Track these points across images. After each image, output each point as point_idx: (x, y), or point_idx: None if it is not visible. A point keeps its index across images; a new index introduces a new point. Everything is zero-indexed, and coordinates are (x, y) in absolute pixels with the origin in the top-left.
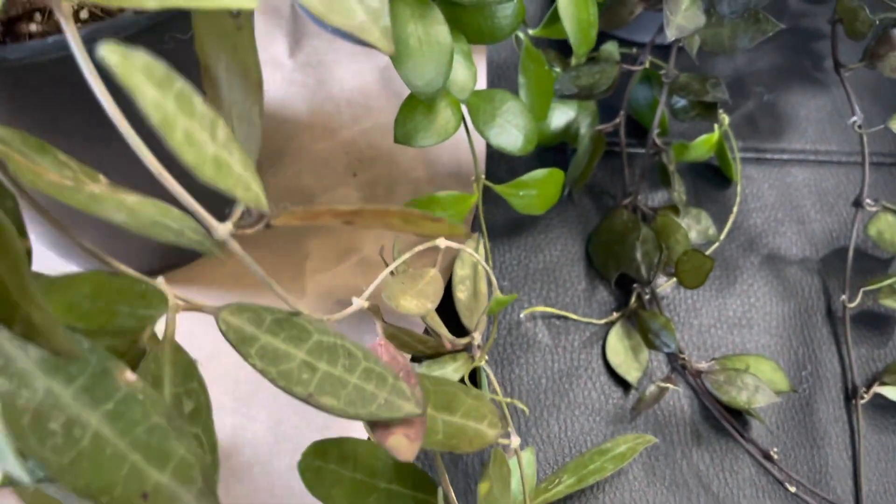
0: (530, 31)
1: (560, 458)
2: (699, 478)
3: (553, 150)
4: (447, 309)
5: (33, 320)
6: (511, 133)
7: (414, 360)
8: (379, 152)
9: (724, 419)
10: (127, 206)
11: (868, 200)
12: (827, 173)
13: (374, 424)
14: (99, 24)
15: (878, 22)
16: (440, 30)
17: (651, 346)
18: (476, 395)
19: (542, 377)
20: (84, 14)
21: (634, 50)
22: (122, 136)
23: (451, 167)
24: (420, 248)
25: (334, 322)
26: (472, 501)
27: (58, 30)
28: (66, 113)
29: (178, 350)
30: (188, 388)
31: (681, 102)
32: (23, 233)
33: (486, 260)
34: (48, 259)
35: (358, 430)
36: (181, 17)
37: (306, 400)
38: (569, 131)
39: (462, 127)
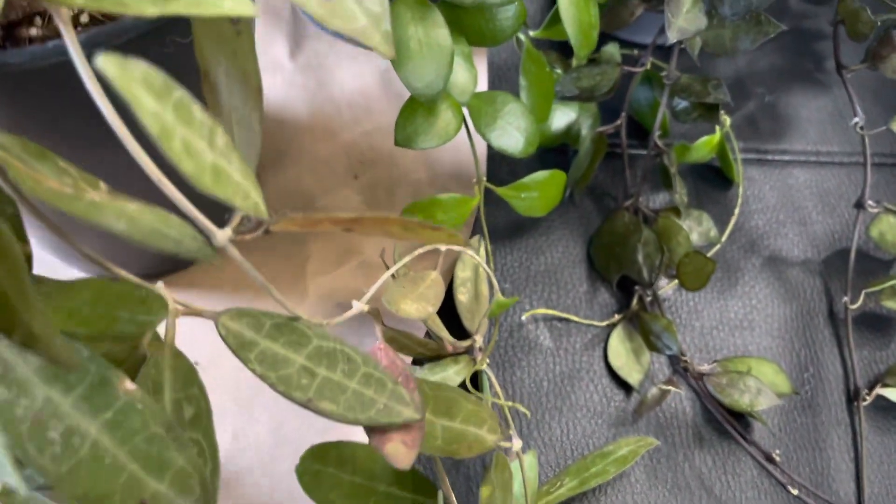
0: (531, 33)
1: (562, 460)
2: (701, 480)
3: (554, 152)
4: (448, 311)
5: (32, 329)
6: (512, 135)
7: (415, 362)
8: (380, 154)
9: (726, 421)
10: (127, 214)
11: (870, 202)
12: (828, 174)
13: (371, 430)
14: (99, 29)
15: (879, 23)
16: (441, 32)
17: (653, 348)
18: (476, 400)
19: (543, 380)
20: (84, 18)
21: (636, 51)
22: (119, 141)
23: (453, 169)
24: (421, 250)
25: (334, 325)
26: None
27: (58, 34)
28: (66, 118)
29: (179, 355)
30: (189, 394)
31: (682, 104)
32: (23, 238)
33: (488, 262)
34: (49, 262)
35: (359, 433)
36: (182, 21)
37: (305, 405)
38: (570, 133)
39: (463, 129)
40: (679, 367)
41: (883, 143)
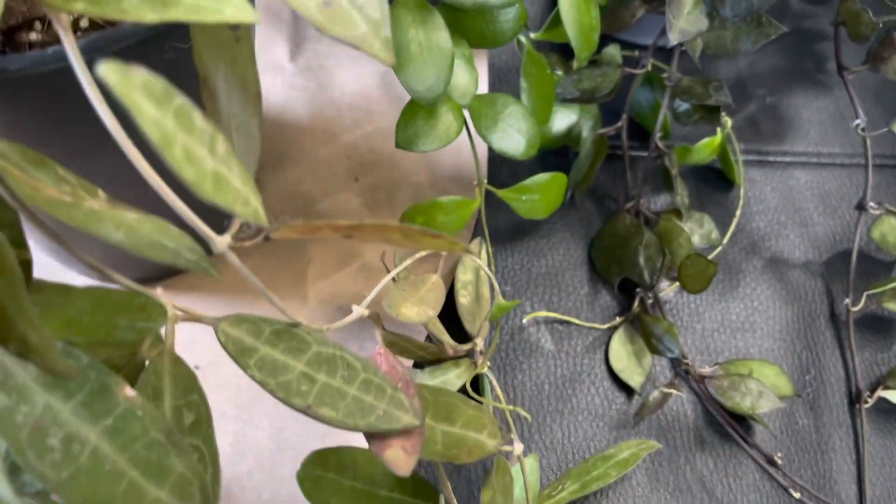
0: (532, 35)
1: (563, 464)
2: (703, 483)
3: (555, 154)
4: (449, 314)
5: (29, 339)
6: (513, 137)
7: (416, 365)
8: (380, 156)
9: (728, 424)
10: (126, 224)
11: (871, 203)
12: (830, 175)
13: (371, 436)
14: (98, 35)
15: (881, 25)
16: (441, 35)
17: (654, 350)
18: (476, 405)
19: (544, 382)
20: (84, 22)
21: (636, 52)
22: (118, 148)
23: (453, 171)
24: (422, 254)
25: (335, 330)
26: None
27: (58, 39)
28: (66, 124)
29: (178, 362)
30: (189, 401)
31: (683, 106)
32: (23, 244)
33: (489, 265)
34: (48, 265)
35: (360, 438)
36: (181, 27)
37: (305, 411)
38: (571, 135)
39: (464, 131)
40: (680, 369)
41: (884, 144)
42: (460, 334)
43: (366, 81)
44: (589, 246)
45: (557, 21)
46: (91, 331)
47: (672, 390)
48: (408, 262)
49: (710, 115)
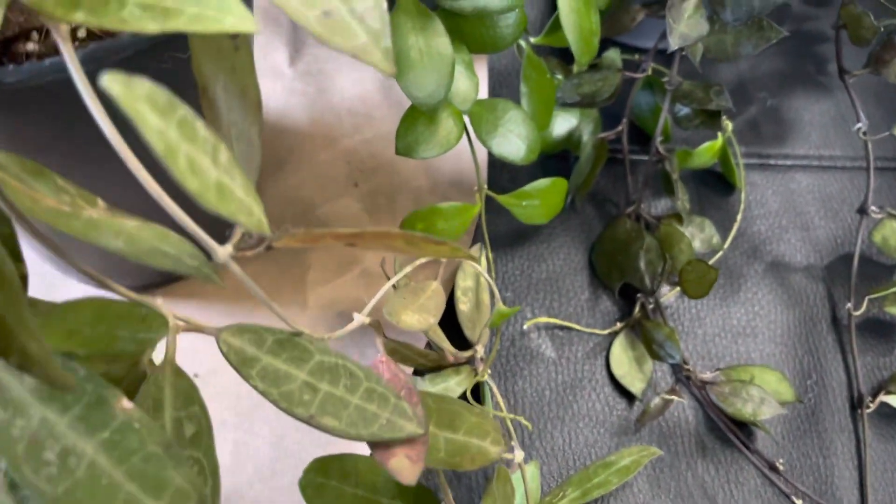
0: (532, 39)
1: (564, 470)
2: (704, 490)
3: (555, 158)
4: (449, 320)
5: (29, 351)
6: (513, 142)
7: (416, 372)
8: (380, 162)
9: (729, 430)
10: (126, 232)
11: (873, 207)
12: (831, 178)
13: (375, 445)
14: (97, 46)
15: (882, 28)
16: (441, 41)
17: (655, 356)
18: (479, 412)
19: (545, 389)
20: (81, 33)
21: (637, 56)
22: (118, 158)
23: (454, 176)
24: (422, 260)
25: (335, 338)
26: None
27: (56, 49)
28: (64, 134)
29: (179, 373)
30: (189, 412)
31: (684, 110)
32: (18, 257)
33: (489, 270)
34: (48, 274)
35: (360, 446)
36: (180, 36)
37: (308, 421)
38: (571, 139)
39: (464, 136)
40: (682, 375)
41: (886, 147)
42: (460, 341)
43: (365, 86)
44: (589, 251)
45: (557, 26)
46: (91, 342)
47: (673, 397)
48: (408, 269)
49: (710, 119)
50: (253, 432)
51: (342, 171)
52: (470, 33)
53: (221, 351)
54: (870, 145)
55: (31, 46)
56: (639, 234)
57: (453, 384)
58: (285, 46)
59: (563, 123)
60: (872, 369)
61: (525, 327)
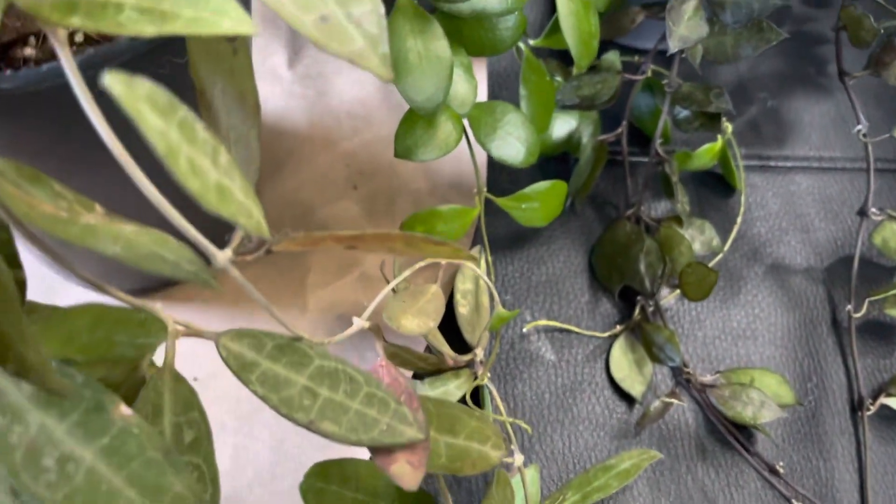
0: (531, 42)
1: (564, 474)
2: (704, 493)
3: (555, 160)
4: (449, 323)
5: (26, 358)
6: (513, 145)
7: (415, 376)
8: (379, 164)
9: (729, 433)
10: (124, 238)
11: (873, 209)
12: (831, 180)
13: (376, 450)
14: (95, 50)
15: (882, 30)
16: (440, 45)
17: (655, 359)
18: (479, 416)
19: (545, 392)
20: (79, 37)
21: (636, 58)
22: (116, 163)
23: (453, 178)
24: (421, 264)
25: (335, 342)
26: None
27: (53, 54)
28: (63, 139)
29: (178, 379)
30: (189, 418)
31: (683, 113)
32: (16, 263)
33: (488, 273)
34: (48, 278)
35: (361, 450)
36: (177, 41)
37: (308, 426)
38: (571, 141)
39: (463, 139)
40: (682, 378)
41: (886, 148)
42: (460, 344)
43: (365, 89)
44: (589, 253)
45: (556, 28)
46: (90, 348)
47: (673, 400)
48: (407, 272)
49: (710, 122)
50: (253, 436)
51: (341, 173)
52: (469, 36)
53: (221, 356)
54: (870, 147)
55: (28, 51)
56: (639, 236)
57: (453, 388)
58: (284, 49)
59: (562, 125)
60: (873, 371)
61: (525, 330)
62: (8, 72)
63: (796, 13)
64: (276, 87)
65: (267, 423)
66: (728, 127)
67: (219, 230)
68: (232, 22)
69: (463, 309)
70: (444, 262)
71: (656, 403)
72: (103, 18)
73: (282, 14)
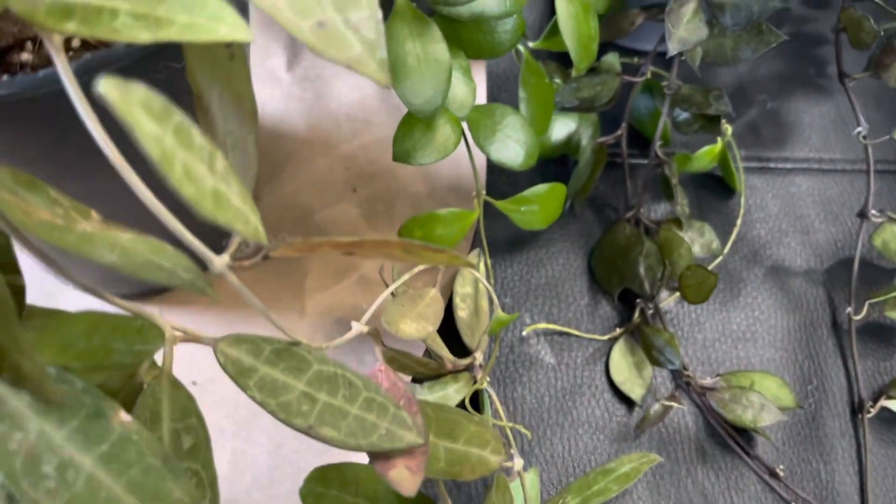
0: (530, 44)
1: (564, 477)
2: (704, 496)
3: (554, 163)
4: (448, 327)
5: (22, 369)
6: (512, 148)
7: (414, 380)
8: (378, 167)
9: (729, 436)
10: (120, 246)
11: (873, 211)
12: (831, 182)
13: (375, 455)
14: (91, 56)
15: (882, 32)
16: (438, 48)
17: (655, 362)
18: (479, 421)
19: (545, 395)
20: (76, 42)
21: (636, 59)
22: (113, 168)
23: (452, 181)
24: (420, 267)
25: (334, 346)
26: None
27: (51, 59)
28: (60, 145)
29: (176, 385)
30: (187, 424)
31: (683, 115)
32: (15, 269)
33: (488, 276)
34: (47, 280)
35: (359, 454)
36: (174, 46)
37: (306, 432)
38: (570, 143)
39: (462, 142)
40: (681, 381)
41: (886, 150)
42: (459, 348)
43: (364, 91)
44: (589, 256)
45: (556, 30)
46: (87, 356)
47: (673, 403)
48: (406, 276)
49: (710, 124)
50: (251, 441)
51: (340, 176)
52: (467, 39)
53: (219, 361)
54: (870, 149)
55: (25, 56)
56: (638, 239)
57: (452, 392)
58: (283, 51)
59: (561, 128)
60: (873, 374)
61: (524, 333)
62: (5, 77)
63: (796, 15)
64: (275, 90)
65: (265, 428)
66: (728, 129)
67: (216, 235)
68: (228, 28)
69: (462, 312)
70: (443, 266)
71: (656, 407)
72: (98, 24)
73: (279, 20)
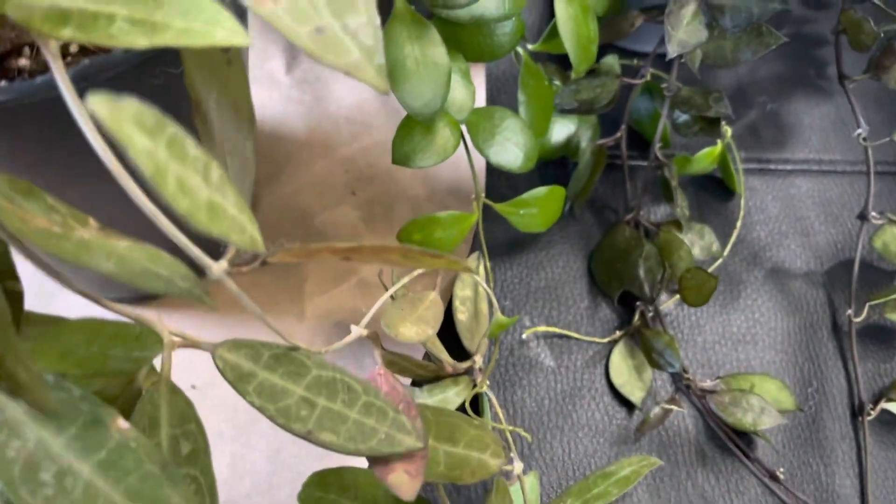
0: (529, 46)
1: (564, 481)
2: (704, 499)
3: (553, 165)
4: (447, 330)
5: (18, 378)
6: (511, 150)
7: (414, 384)
8: (378, 170)
9: (729, 439)
10: (117, 254)
11: (873, 213)
12: (831, 183)
13: (374, 459)
14: (89, 63)
15: (882, 34)
16: (437, 50)
17: (655, 365)
18: (478, 424)
19: (544, 398)
20: (74, 47)
21: (636, 61)
22: (110, 174)
23: (451, 184)
24: (419, 270)
25: (333, 350)
26: None
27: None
28: (57, 152)
29: (175, 390)
30: (185, 430)
31: (683, 117)
32: (13, 275)
33: (487, 280)
34: (46, 283)
35: (358, 459)
36: (171, 51)
37: (306, 437)
38: (569, 145)
39: (461, 144)
40: (681, 384)
41: (886, 151)
42: (458, 351)
43: (363, 94)
44: (588, 258)
45: (555, 32)
46: (85, 363)
47: (673, 406)
48: (405, 279)
49: (710, 126)
50: (250, 445)
51: (340, 179)
52: (467, 42)
53: (217, 367)
54: (870, 151)
55: (23, 62)
56: (638, 241)
57: (452, 395)
58: (282, 54)
59: (561, 130)
60: (873, 376)
61: (524, 336)
62: (2, 83)
63: (796, 16)
64: (274, 92)
65: (264, 433)
66: (727, 130)
67: (214, 241)
68: (225, 32)
69: (462, 315)
70: (442, 269)
71: (656, 409)
72: (95, 30)
73: (277, 25)
